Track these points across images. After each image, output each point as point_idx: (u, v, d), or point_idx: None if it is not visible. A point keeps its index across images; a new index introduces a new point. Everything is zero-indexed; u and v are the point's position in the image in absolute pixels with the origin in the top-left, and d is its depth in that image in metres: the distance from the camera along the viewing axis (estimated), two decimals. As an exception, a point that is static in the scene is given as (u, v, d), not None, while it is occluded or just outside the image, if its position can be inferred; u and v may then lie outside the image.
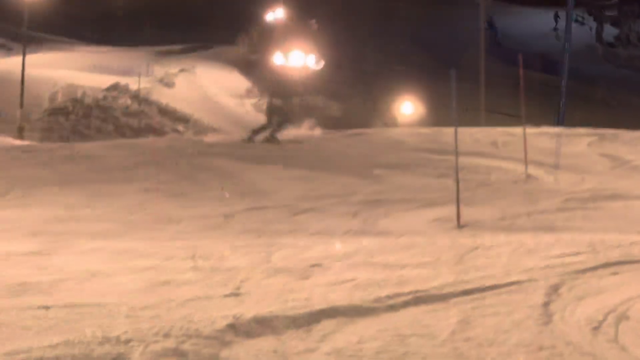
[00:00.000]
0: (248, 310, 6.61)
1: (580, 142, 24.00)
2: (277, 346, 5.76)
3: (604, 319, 6.94)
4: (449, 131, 23.97)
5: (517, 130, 25.25)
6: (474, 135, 24.92)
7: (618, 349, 6.21)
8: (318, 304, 6.88)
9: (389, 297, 7.56)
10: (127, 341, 5.81)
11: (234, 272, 8.65)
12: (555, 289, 8.09)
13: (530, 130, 25.90)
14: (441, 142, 22.99)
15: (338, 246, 10.70)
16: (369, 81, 60.32)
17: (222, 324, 6.14)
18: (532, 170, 20.05)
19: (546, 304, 7.46)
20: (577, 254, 10.00)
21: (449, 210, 14.87)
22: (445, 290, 7.97)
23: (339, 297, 7.57)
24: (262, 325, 6.20)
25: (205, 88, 52.05)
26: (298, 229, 13.38)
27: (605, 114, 52.74)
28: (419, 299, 7.62)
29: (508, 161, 20.78)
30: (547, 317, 7.02)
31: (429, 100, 52.16)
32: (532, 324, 6.83)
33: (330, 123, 39.80)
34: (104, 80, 55.89)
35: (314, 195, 17.61)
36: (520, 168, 20.04)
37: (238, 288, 7.77)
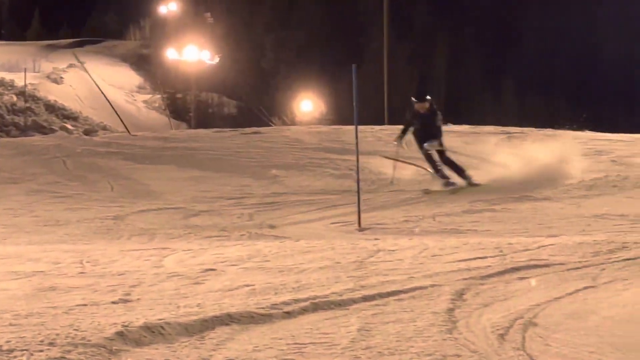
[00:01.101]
0: (138, 317, 6.53)
1: (488, 141, 24.31)
2: (168, 355, 5.71)
3: (511, 326, 7.00)
4: (349, 129, 24.15)
5: None
6: (376, 134, 25.12)
7: (525, 357, 6.25)
8: (212, 311, 6.83)
9: (285, 303, 7.51)
10: (10, 351, 5.68)
11: (123, 277, 8.56)
12: (460, 294, 8.12)
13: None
14: (342, 141, 23.15)
15: (233, 250, 10.66)
16: (266, 77, 60.23)
17: (110, 331, 6.03)
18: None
19: (451, 311, 7.47)
20: (483, 258, 10.08)
21: (350, 212, 14.84)
22: (345, 297, 7.95)
23: (234, 304, 7.54)
24: (153, 333, 6.13)
25: (95, 84, 51.58)
26: (192, 231, 13.33)
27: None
28: (317, 306, 7.60)
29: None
30: (451, 324, 7.03)
31: (330, 97, 52.38)
32: (435, 332, 6.81)
33: (227, 122, 39.84)
34: (-13, 77, 55.34)
35: (208, 197, 17.57)
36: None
37: (128, 294, 7.66)
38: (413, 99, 18.22)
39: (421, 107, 17.87)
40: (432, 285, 8.47)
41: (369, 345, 6.42)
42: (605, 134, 28.04)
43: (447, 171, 17.90)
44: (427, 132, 17.71)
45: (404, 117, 19.16)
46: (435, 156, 17.84)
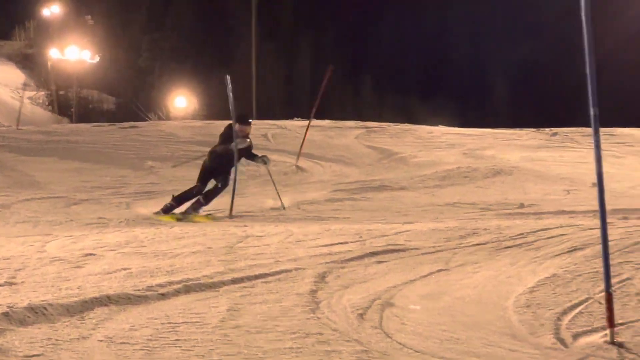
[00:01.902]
0: (22, 299, 6.45)
1: (349, 135, 24.55)
2: (50, 334, 5.63)
3: (369, 306, 7.05)
4: (220, 124, 24.13)
5: (287, 123, 25.61)
6: None
7: (382, 335, 6.29)
8: (91, 293, 6.77)
9: (160, 285, 7.48)
10: None
11: (8, 262, 8.43)
12: (322, 277, 8.15)
13: (300, 123, 26.44)
14: (213, 134, 22.97)
15: (111, 236, 10.56)
16: (143, 76, 59.92)
17: (-4, 313, 5.95)
18: (301, 162, 20.38)
19: (314, 292, 7.49)
20: (344, 243, 10.10)
21: (222, 201, 14.73)
22: (216, 279, 7.96)
23: (112, 286, 7.47)
24: (36, 314, 6.05)
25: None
26: (73, 219, 13.15)
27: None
28: (190, 288, 7.59)
29: (279, 153, 21.07)
30: (314, 304, 7.07)
31: (203, 94, 52.29)
32: (299, 312, 6.84)
33: (106, 117, 39.47)
34: None
35: (88, 187, 17.38)
36: (290, 160, 20.31)
37: (13, 277, 7.56)
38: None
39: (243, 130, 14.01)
40: (297, 269, 8.50)
41: (237, 324, 6.42)
42: (457, 128, 28.63)
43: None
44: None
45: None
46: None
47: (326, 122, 27.83)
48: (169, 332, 6.12)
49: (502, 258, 8.98)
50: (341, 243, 10.17)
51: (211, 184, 13.77)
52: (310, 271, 8.41)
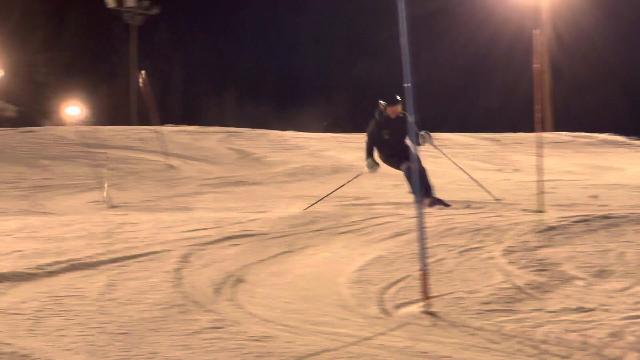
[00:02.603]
0: None
1: (213, 138, 24.54)
2: (-51, 309, 5.46)
3: (225, 282, 7.08)
4: (105, 129, 23.80)
5: (160, 128, 25.39)
6: (125, 132, 24.92)
7: (235, 307, 6.35)
8: (-12, 271, 6.66)
9: (48, 264, 7.38)
10: None
11: None
12: (186, 257, 8.15)
13: (171, 128, 26.37)
14: (99, 138, 22.89)
15: (8, 223, 10.34)
16: (41, 88, 58.91)
17: None
18: (172, 161, 20.33)
19: (178, 270, 7.50)
20: (205, 229, 10.07)
21: (103, 194, 14.56)
22: (96, 259, 7.87)
23: (6, 265, 7.34)
24: (-63, 291, 5.87)
25: None
26: (-25, 210, 12.80)
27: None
28: (74, 266, 7.49)
29: (153, 154, 20.87)
30: (178, 280, 7.08)
31: (91, 104, 51.65)
32: (166, 287, 6.86)
33: (7, 123, 38.41)
34: None
35: (-10, 182, 17.00)
36: (163, 159, 20.18)
37: None
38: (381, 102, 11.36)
39: (393, 111, 11.24)
40: (165, 251, 8.48)
41: (113, 297, 6.42)
42: (303, 133, 28.95)
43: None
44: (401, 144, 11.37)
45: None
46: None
47: (194, 127, 27.81)
48: (54, 304, 6.02)
49: (337, 242, 9.04)
50: (203, 229, 10.09)
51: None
52: (175, 252, 8.36)
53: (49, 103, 52.33)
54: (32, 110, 50.92)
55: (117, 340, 5.31)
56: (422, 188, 9.88)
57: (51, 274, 7.04)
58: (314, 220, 10.35)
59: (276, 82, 63.31)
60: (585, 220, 9.80)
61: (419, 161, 9.79)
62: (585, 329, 5.68)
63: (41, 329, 5.46)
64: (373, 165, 11.63)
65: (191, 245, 8.82)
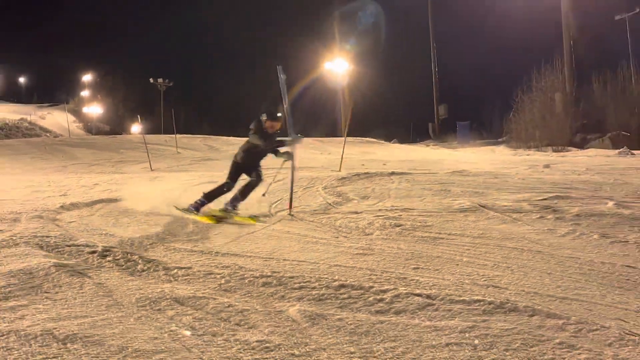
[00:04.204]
0: None
1: (197, 140, 30.99)
2: None
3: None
4: (149, 136, 29.73)
5: (173, 135, 31.23)
6: (157, 137, 31.47)
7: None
8: None
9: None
10: None
11: None
12: (186, 190, 10.99)
13: (179, 135, 31.64)
14: (146, 139, 26.09)
15: None
16: (120, 116, 67.10)
17: None
18: (179, 150, 27.04)
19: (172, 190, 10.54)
20: (193, 179, 12.96)
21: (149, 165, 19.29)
22: (145, 189, 10.87)
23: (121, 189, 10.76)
24: None
25: None
26: None
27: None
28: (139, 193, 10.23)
29: (170, 147, 28.22)
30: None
31: (145, 125, 54.39)
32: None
33: (105, 133, 42.82)
34: None
35: None
36: (174, 149, 27.09)
37: None
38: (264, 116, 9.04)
39: (272, 125, 9.02)
40: (176, 188, 11.32)
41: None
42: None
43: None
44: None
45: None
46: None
47: (189, 135, 35.00)
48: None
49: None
50: (191, 179, 13.19)
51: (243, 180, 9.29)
52: (182, 188, 11.10)
53: (124, 124, 55.14)
54: (116, 127, 58.02)
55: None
56: (241, 198, 8.97)
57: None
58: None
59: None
60: (357, 174, 13.44)
61: (260, 177, 9.02)
62: (357, 221, 7.79)
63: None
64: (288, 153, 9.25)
65: (184, 185, 12.17)
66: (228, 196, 8.94)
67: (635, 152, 24.56)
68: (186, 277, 5.41)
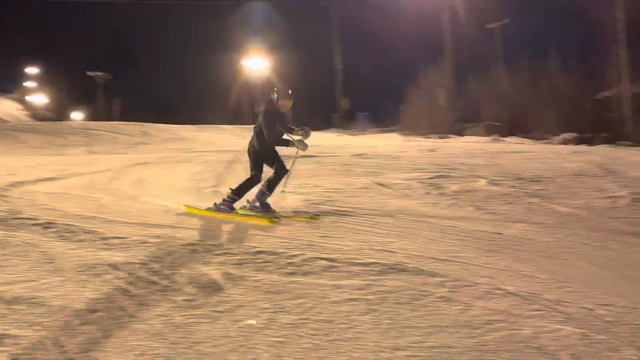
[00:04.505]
0: None
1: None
2: None
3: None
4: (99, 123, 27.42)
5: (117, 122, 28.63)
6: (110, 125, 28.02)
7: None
8: None
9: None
10: None
11: None
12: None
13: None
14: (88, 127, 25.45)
15: None
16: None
17: None
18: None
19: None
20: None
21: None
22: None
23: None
24: None
25: None
26: None
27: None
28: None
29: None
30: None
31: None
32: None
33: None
34: None
35: None
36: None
37: None
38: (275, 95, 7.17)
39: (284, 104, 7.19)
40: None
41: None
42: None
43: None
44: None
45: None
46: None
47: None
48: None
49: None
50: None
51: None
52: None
53: (66, 112, 53.87)
54: (59, 115, 53.27)
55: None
56: (269, 193, 7.34)
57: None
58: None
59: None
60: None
61: (284, 168, 7.41)
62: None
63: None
64: (301, 142, 7.28)
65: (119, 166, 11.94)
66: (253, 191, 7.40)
67: (505, 138, 25.65)
68: (122, 246, 5.39)
